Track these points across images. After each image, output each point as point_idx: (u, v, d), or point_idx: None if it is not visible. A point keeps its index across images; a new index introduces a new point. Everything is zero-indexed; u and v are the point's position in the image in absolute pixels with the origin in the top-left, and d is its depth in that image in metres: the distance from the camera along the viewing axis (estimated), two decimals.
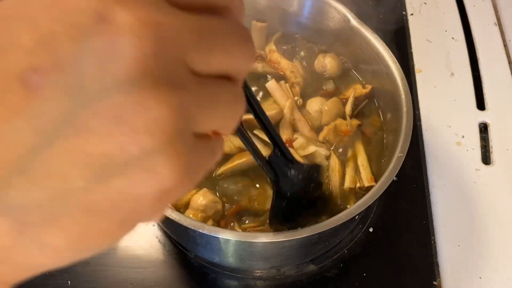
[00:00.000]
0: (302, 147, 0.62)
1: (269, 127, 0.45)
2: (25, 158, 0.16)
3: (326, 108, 0.65)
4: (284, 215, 0.54)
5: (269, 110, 0.63)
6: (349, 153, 0.63)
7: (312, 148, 0.62)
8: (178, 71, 0.18)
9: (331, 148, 0.63)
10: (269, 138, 0.47)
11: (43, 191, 0.17)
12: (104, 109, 0.17)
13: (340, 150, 0.63)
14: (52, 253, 0.19)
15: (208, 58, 0.19)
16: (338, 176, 0.60)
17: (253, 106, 0.40)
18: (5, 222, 0.17)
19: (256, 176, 0.60)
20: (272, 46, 0.71)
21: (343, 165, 0.62)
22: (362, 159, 0.62)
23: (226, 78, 0.21)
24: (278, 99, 0.65)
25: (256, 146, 0.46)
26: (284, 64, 0.69)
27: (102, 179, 0.17)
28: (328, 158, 0.62)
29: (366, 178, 0.60)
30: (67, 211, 0.18)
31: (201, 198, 0.57)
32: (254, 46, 0.22)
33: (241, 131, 0.43)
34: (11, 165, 0.16)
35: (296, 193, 0.51)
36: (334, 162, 0.61)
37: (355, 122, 0.65)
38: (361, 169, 0.61)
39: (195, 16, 0.19)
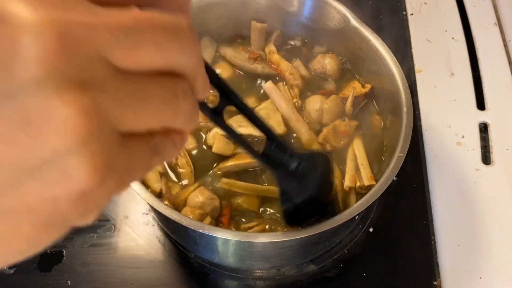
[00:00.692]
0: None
1: (256, 120, 0.41)
2: None
3: (326, 106, 0.65)
4: (298, 210, 0.52)
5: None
6: (349, 152, 0.63)
7: None
8: (92, 69, 0.17)
9: (330, 151, 0.63)
10: (261, 131, 0.43)
11: None
12: (9, 112, 0.16)
13: (340, 152, 0.63)
14: None
15: (135, 54, 0.18)
16: (338, 179, 0.60)
17: (231, 98, 0.36)
18: None
19: (256, 175, 0.61)
20: (271, 47, 0.71)
21: (341, 167, 0.62)
22: (362, 159, 0.62)
23: (170, 74, 0.20)
24: (275, 100, 0.65)
25: (248, 141, 0.43)
26: (284, 66, 0.69)
27: (16, 183, 0.17)
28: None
29: (366, 177, 0.60)
30: None
31: (198, 196, 0.57)
32: (193, 39, 0.20)
33: (227, 128, 0.39)
34: None
35: (304, 185, 0.49)
36: (336, 165, 0.61)
37: (354, 123, 0.65)
38: (361, 168, 0.61)
39: (117, 12, 0.18)
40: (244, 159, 0.60)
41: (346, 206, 0.59)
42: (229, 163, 0.60)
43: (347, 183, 0.60)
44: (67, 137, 0.17)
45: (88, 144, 0.17)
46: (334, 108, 0.65)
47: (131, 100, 0.19)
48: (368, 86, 0.67)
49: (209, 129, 0.63)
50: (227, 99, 0.36)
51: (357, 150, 0.63)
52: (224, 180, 0.60)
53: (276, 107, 0.65)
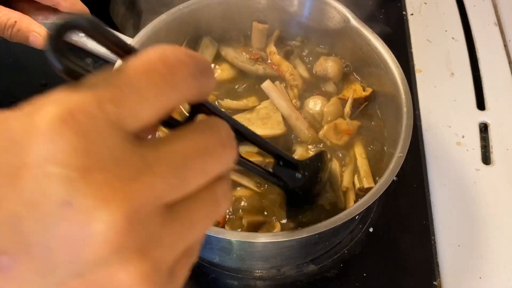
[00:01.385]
0: (302, 156, 0.62)
1: (263, 144, 0.42)
2: None
3: (325, 109, 0.65)
4: (299, 206, 0.56)
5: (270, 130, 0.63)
6: (350, 154, 0.63)
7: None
8: (151, 227, 0.18)
9: (331, 150, 0.63)
10: (269, 153, 0.45)
11: None
12: (76, 286, 0.17)
13: (340, 151, 0.63)
14: None
15: (185, 189, 0.19)
16: (336, 182, 0.60)
17: (241, 134, 0.37)
18: None
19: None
20: (272, 48, 0.71)
21: (339, 172, 0.61)
22: (361, 161, 0.62)
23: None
24: (274, 99, 0.65)
25: (258, 167, 0.44)
26: (284, 67, 0.69)
27: None
28: (329, 161, 0.62)
29: (365, 179, 0.60)
30: None
31: None
32: (232, 148, 0.21)
33: (241, 162, 0.40)
34: None
35: (308, 187, 0.51)
36: (335, 165, 0.61)
37: (356, 122, 0.65)
38: (361, 170, 0.61)
39: (163, 151, 0.19)
40: (251, 157, 0.60)
41: (344, 206, 0.59)
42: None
43: (345, 184, 0.60)
44: None
45: None
46: (335, 111, 0.65)
47: (181, 235, 0.20)
48: (369, 90, 0.67)
49: None
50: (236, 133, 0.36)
51: (358, 152, 0.63)
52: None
53: (276, 105, 0.65)
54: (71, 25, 0.20)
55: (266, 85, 0.66)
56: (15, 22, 0.60)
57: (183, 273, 0.22)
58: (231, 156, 0.21)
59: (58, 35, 0.19)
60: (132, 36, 0.63)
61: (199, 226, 0.21)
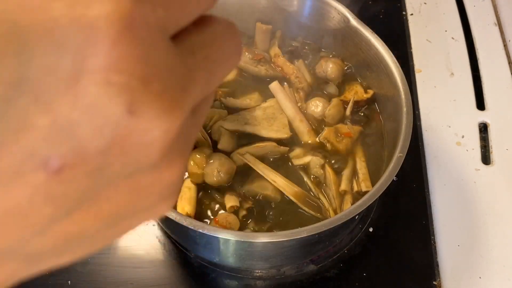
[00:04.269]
0: (297, 157, 0.62)
1: None
2: (43, 227, 0.17)
3: (327, 111, 0.65)
4: None
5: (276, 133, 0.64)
6: (350, 156, 0.63)
7: (307, 158, 0.62)
8: (190, 134, 0.20)
9: (326, 158, 0.62)
10: None
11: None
12: (124, 186, 0.18)
13: (339, 155, 0.63)
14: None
15: (215, 85, 0.21)
16: (334, 184, 0.60)
17: None
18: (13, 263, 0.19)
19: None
20: (276, 50, 0.71)
21: (337, 173, 0.61)
22: (360, 163, 0.62)
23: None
24: (280, 100, 0.65)
25: None
26: (289, 69, 0.69)
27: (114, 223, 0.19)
28: (323, 167, 0.61)
29: (363, 182, 0.60)
30: None
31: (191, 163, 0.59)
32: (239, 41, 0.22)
33: None
34: (31, 229, 0.17)
35: None
36: (329, 173, 0.61)
37: (357, 128, 0.65)
38: (360, 173, 0.61)
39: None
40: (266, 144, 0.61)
41: (342, 208, 0.59)
42: (251, 146, 0.61)
43: (343, 187, 0.60)
44: (169, 199, 0.20)
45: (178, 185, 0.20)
46: (336, 114, 0.65)
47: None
48: (371, 92, 0.66)
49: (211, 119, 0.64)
50: None
51: (357, 155, 0.63)
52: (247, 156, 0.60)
53: (281, 106, 0.65)
54: None
55: (274, 86, 0.66)
56: None
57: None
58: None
59: None
60: None
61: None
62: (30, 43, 0.15)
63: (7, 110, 0.15)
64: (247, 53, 0.70)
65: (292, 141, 0.64)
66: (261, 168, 0.60)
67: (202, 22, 0.20)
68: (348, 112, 0.65)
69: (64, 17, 0.15)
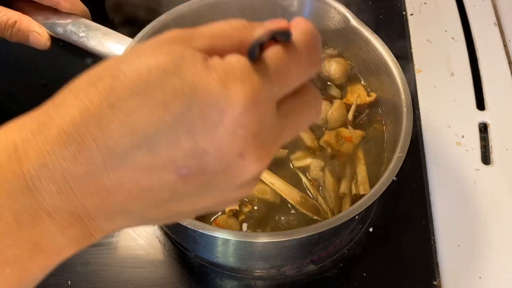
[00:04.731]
0: (298, 159, 0.62)
1: None
2: (160, 204, 0.27)
3: (329, 114, 0.64)
4: None
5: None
6: (349, 159, 0.63)
7: (307, 160, 0.62)
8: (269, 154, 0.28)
9: (327, 160, 0.62)
10: None
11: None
12: (217, 193, 0.28)
13: (339, 158, 0.63)
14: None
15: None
16: (332, 187, 0.60)
17: None
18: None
19: None
20: None
21: (337, 176, 0.61)
22: (360, 166, 0.62)
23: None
24: None
25: None
26: None
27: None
28: (323, 169, 0.61)
29: (362, 186, 0.60)
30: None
31: None
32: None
33: None
34: (153, 202, 0.27)
35: None
36: (328, 176, 0.61)
37: (360, 132, 0.64)
38: (359, 176, 0.61)
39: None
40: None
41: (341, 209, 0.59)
42: None
43: (342, 190, 0.60)
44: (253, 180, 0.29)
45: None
46: (338, 116, 0.65)
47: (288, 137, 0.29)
48: (373, 95, 0.66)
49: None
50: None
51: (358, 159, 0.63)
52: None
53: None
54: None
55: None
56: (15, 22, 0.60)
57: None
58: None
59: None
60: (130, 36, 0.63)
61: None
62: (196, 97, 0.25)
63: (171, 129, 0.24)
64: None
65: (292, 143, 0.64)
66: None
67: (298, 89, 0.28)
68: (350, 116, 0.65)
69: (218, 87, 0.25)
